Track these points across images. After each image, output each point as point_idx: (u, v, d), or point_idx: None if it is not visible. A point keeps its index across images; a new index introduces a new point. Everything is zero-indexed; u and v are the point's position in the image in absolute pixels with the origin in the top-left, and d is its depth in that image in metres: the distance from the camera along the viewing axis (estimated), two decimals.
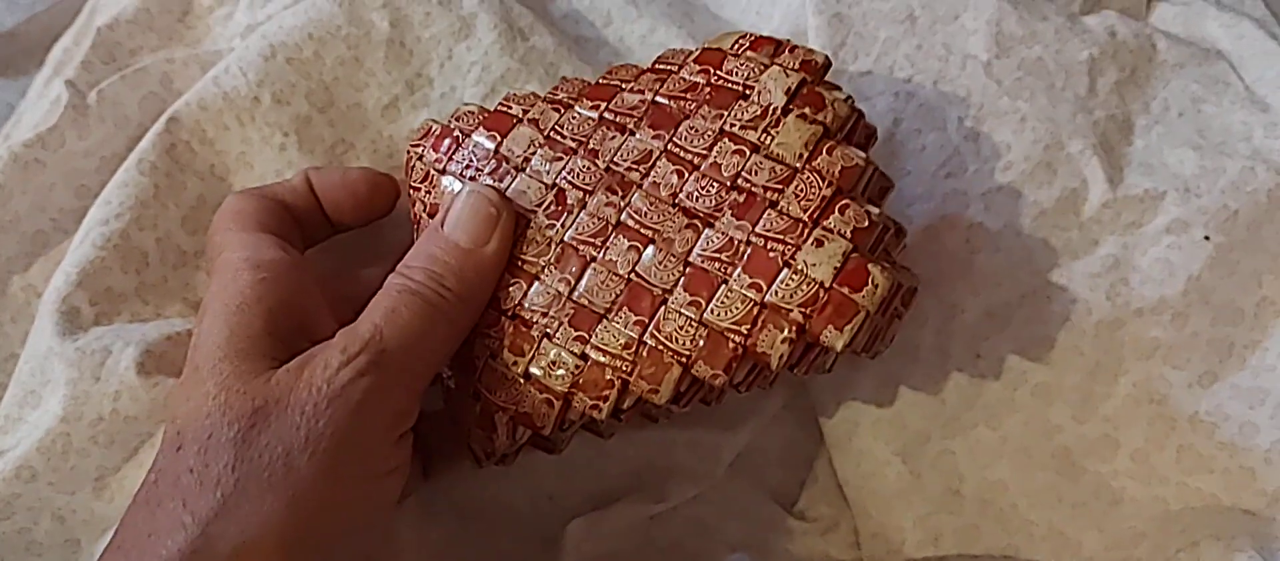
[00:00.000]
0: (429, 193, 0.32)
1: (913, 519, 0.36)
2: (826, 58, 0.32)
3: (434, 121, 0.34)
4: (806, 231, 0.28)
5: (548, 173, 0.31)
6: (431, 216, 0.32)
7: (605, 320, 0.29)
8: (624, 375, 0.29)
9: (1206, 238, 0.35)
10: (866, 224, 0.28)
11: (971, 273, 0.37)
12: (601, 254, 0.30)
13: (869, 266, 0.28)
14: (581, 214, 0.30)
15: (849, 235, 0.28)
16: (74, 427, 0.32)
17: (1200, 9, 0.41)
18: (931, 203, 0.38)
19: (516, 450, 0.31)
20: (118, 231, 0.34)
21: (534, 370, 0.29)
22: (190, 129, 0.36)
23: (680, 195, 0.30)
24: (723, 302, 0.28)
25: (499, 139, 0.32)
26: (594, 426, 0.31)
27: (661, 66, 0.33)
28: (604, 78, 0.33)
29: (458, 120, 0.33)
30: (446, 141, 0.33)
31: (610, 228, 0.30)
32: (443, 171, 0.32)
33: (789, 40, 0.32)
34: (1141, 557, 0.35)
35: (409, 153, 0.34)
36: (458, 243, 0.29)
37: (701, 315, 0.28)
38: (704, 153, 0.30)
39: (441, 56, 0.37)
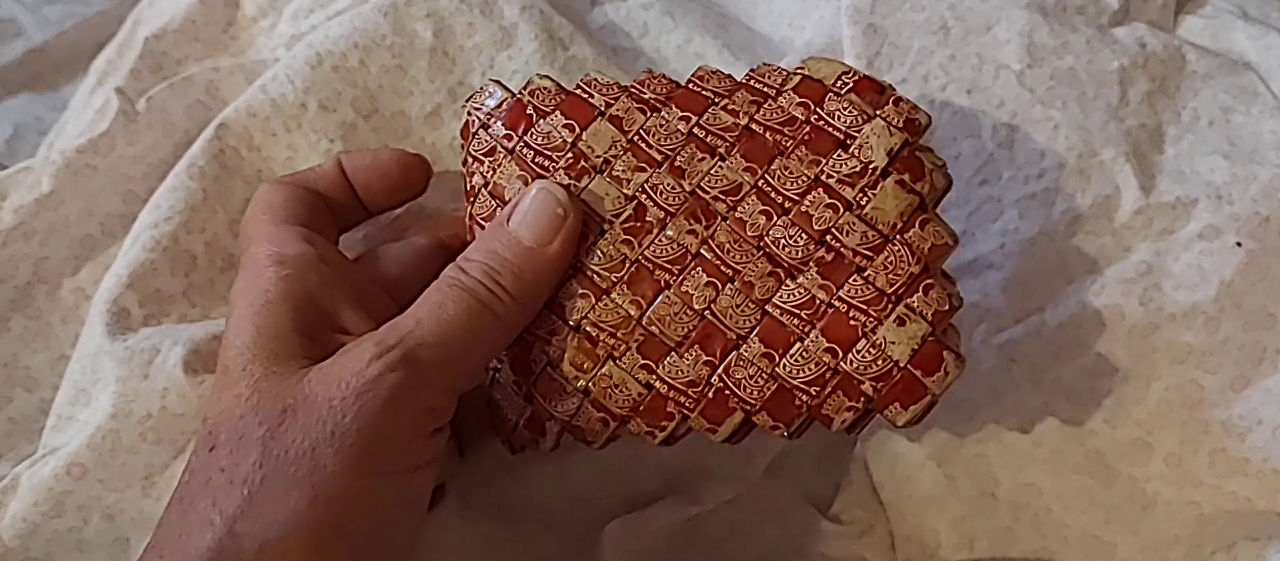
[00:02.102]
0: (495, 170, 0.31)
1: (947, 522, 0.37)
2: (929, 117, 0.31)
3: (498, 84, 0.32)
4: (890, 307, 0.28)
5: (629, 182, 0.30)
6: (492, 194, 0.31)
7: (675, 353, 0.29)
8: (686, 410, 0.29)
9: (1238, 244, 0.36)
10: (947, 307, 0.29)
11: (1006, 277, 0.37)
12: (677, 282, 0.29)
13: (944, 353, 0.28)
14: (660, 235, 0.29)
15: (930, 317, 0.28)
16: (123, 425, 0.32)
17: (1228, 22, 0.41)
18: (966, 209, 0.38)
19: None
20: (167, 235, 0.35)
21: (594, 387, 0.29)
22: (238, 135, 0.37)
23: (766, 238, 0.29)
24: (797, 360, 0.28)
25: (578, 130, 0.30)
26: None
27: (758, 85, 0.31)
28: (694, 83, 0.31)
29: (532, 96, 0.31)
30: (519, 119, 0.31)
31: (689, 257, 0.29)
32: (512, 151, 0.31)
33: (893, 89, 0.31)
34: (1176, 560, 0.35)
35: (471, 116, 0.32)
36: (521, 239, 0.28)
37: (773, 369, 0.29)
38: (796, 198, 0.29)
39: (483, 65, 0.38)
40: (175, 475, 0.33)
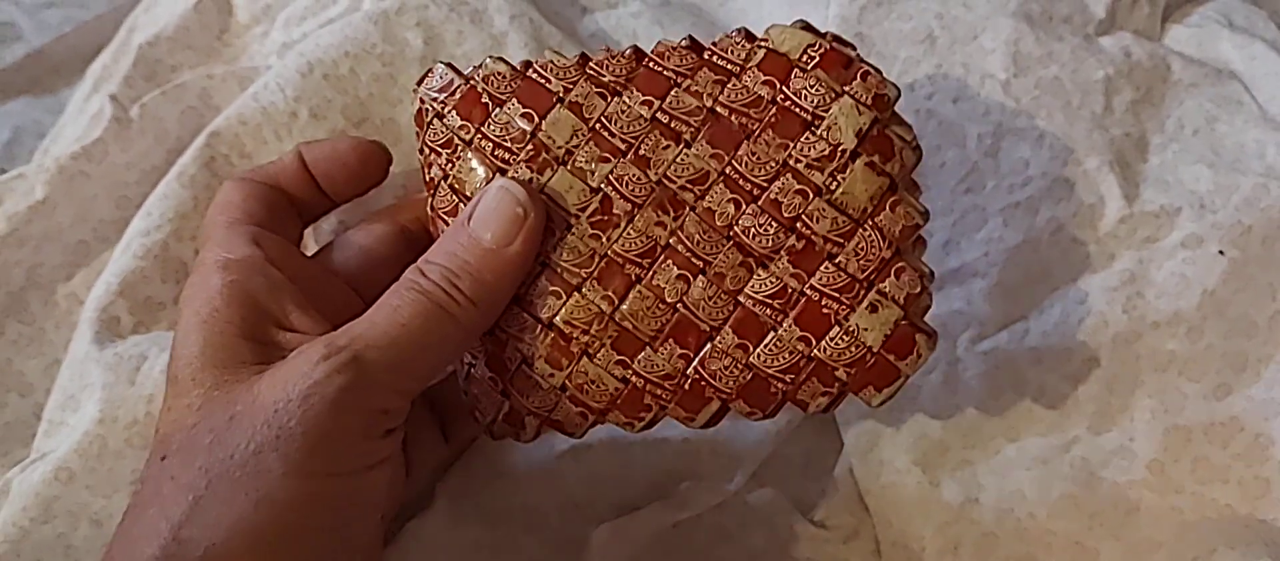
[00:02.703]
0: (454, 163, 0.30)
1: (932, 528, 0.37)
2: (898, 90, 0.30)
3: (449, 67, 0.31)
4: (862, 293, 0.28)
5: (593, 173, 0.29)
6: (452, 188, 0.30)
7: (649, 348, 0.29)
8: (662, 402, 0.29)
9: (1221, 252, 0.36)
10: (918, 290, 0.29)
11: (990, 286, 0.38)
12: (648, 276, 0.29)
13: (916, 336, 0.28)
14: (628, 228, 0.29)
15: (902, 302, 0.28)
16: (110, 430, 0.33)
17: (1213, 31, 0.41)
18: (951, 217, 0.38)
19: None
20: (158, 242, 0.35)
21: (571, 383, 0.29)
22: (230, 143, 0.37)
23: (735, 227, 0.29)
24: (771, 349, 0.29)
25: (537, 119, 0.30)
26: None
27: (720, 61, 0.30)
28: (654, 62, 0.30)
29: (486, 81, 0.30)
30: (474, 108, 0.30)
31: (659, 249, 0.29)
32: (470, 143, 0.30)
33: (861, 60, 0.30)
34: None
35: (424, 103, 0.31)
36: (480, 241, 0.28)
37: (748, 359, 0.29)
38: (764, 185, 0.29)
39: None
40: None
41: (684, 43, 0.31)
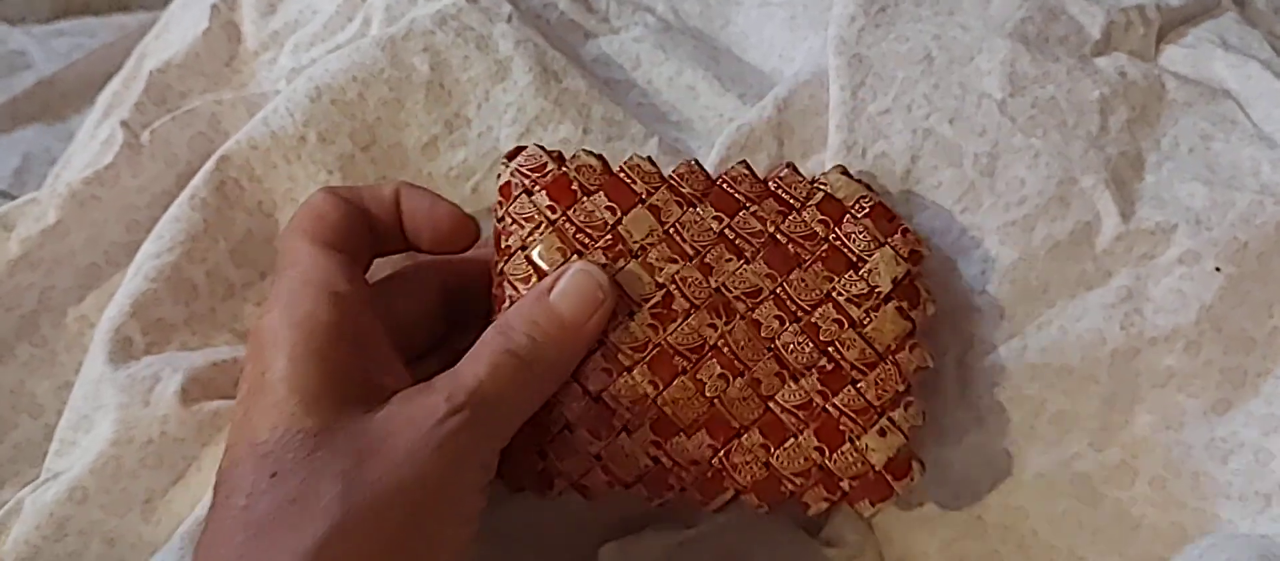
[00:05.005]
0: (535, 237, 0.32)
1: (937, 545, 0.37)
2: (928, 247, 0.35)
3: (542, 150, 0.34)
4: (876, 418, 0.32)
5: (661, 271, 0.32)
6: (528, 260, 0.32)
7: (683, 434, 0.32)
8: (684, 484, 0.32)
9: (1217, 269, 0.36)
10: (920, 423, 0.33)
11: (988, 304, 0.38)
12: (693, 370, 0.32)
13: (913, 463, 0.32)
14: (683, 323, 0.32)
15: (907, 431, 0.32)
16: (124, 450, 0.33)
17: (1207, 51, 0.42)
18: (948, 236, 0.39)
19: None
20: (169, 264, 0.36)
21: (605, 455, 0.32)
22: (240, 167, 0.38)
23: (777, 341, 0.32)
24: (789, 453, 0.32)
25: (619, 214, 0.33)
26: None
27: (784, 194, 0.34)
28: (727, 183, 0.34)
29: (578, 172, 0.33)
30: (564, 193, 0.33)
31: (707, 348, 0.32)
32: (554, 224, 0.33)
33: (904, 222, 0.34)
34: None
35: (515, 178, 0.33)
36: (561, 314, 0.30)
37: (768, 459, 0.32)
38: (808, 309, 0.32)
39: (479, 98, 0.39)
40: (175, 500, 0.34)
41: (747, 171, 0.34)
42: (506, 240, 0.33)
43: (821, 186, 0.34)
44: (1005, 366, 0.38)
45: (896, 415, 0.32)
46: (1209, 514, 0.36)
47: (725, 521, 0.37)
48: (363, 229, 0.32)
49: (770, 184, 0.34)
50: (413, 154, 0.39)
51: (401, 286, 0.34)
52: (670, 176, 0.34)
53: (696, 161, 0.34)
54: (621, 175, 0.33)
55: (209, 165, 0.37)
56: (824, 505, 0.32)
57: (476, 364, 0.28)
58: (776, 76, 0.44)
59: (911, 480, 0.32)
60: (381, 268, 0.34)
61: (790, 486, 0.32)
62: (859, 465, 0.32)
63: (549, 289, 0.30)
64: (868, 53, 0.41)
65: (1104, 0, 0.43)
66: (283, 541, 0.25)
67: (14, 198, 0.47)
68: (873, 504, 0.32)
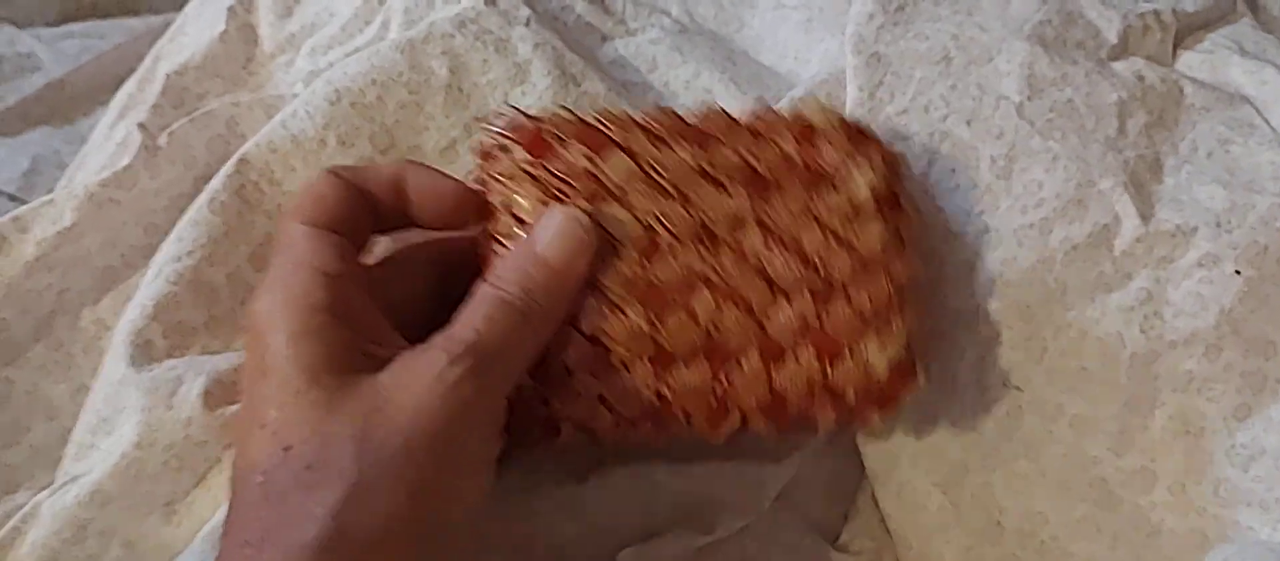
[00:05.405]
0: (516, 193, 0.33)
1: (954, 551, 0.37)
2: (904, 158, 0.36)
3: (518, 110, 0.34)
4: (871, 327, 0.32)
5: (643, 210, 0.32)
6: (512, 214, 0.32)
7: (682, 365, 0.31)
8: (690, 415, 0.32)
9: (1237, 272, 0.36)
10: (917, 328, 0.32)
11: (1006, 307, 0.38)
12: (685, 302, 0.32)
13: (915, 367, 0.32)
14: (671, 260, 0.32)
15: (904, 336, 0.32)
16: (148, 453, 0.33)
17: (1224, 56, 0.42)
18: (965, 239, 0.39)
19: None
20: (190, 268, 0.36)
21: (608, 394, 0.31)
22: (259, 170, 0.38)
23: (764, 264, 0.32)
24: (790, 373, 0.32)
25: (596, 160, 0.33)
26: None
27: (759, 126, 0.34)
28: (700, 123, 0.34)
29: (551, 124, 0.33)
30: (542, 147, 0.33)
31: (697, 279, 0.32)
32: (532, 176, 0.33)
33: (875, 136, 0.35)
34: None
35: (491, 140, 0.34)
36: (548, 260, 0.30)
37: (769, 381, 0.32)
38: (791, 229, 0.32)
39: (498, 101, 0.39)
40: (197, 502, 0.34)
41: (719, 110, 0.35)
42: (490, 200, 0.33)
43: (794, 115, 0.35)
44: (1024, 369, 0.38)
45: (891, 322, 0.32)
46: (1229, 520, 0.35)
47: (743, 527, 0.37)
48: (361, 209, 0.32)
49: (744, 121, 0.35)
50: (432, 157, 0.39)
51: (396, 269, 0.34)
52: (642, 120, 0.34)
53: (668, 106, 0.35)
54: (595, 123, 0.34)
55: (228, 168, 0.37)
56: (834, 420, 0.32)
57: (472, 317, 0.29)
58: (793, 79, 0.44)
59: (916, 385, 0.32)
60: (381, 244, 0.34)
61: (796, 405, 0.32)
62: (861, 375, 0.32)
63: (536, 240, 0.31)
64: (886, 50, 0.41)
65: (1121, 5, 0.43)
66: (303, 507, 0.25)
67: (23, 201, 0.47)
68: (881, 413, 0.32)
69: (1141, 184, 0.39)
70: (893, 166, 0.34)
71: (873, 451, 0.38)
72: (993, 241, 0.39)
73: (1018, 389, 0.38)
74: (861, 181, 0.33)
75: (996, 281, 0.38)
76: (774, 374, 0.32)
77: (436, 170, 0.34)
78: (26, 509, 0.34)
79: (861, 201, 0.33)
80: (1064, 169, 0.38)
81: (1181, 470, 0.36)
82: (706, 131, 0.34)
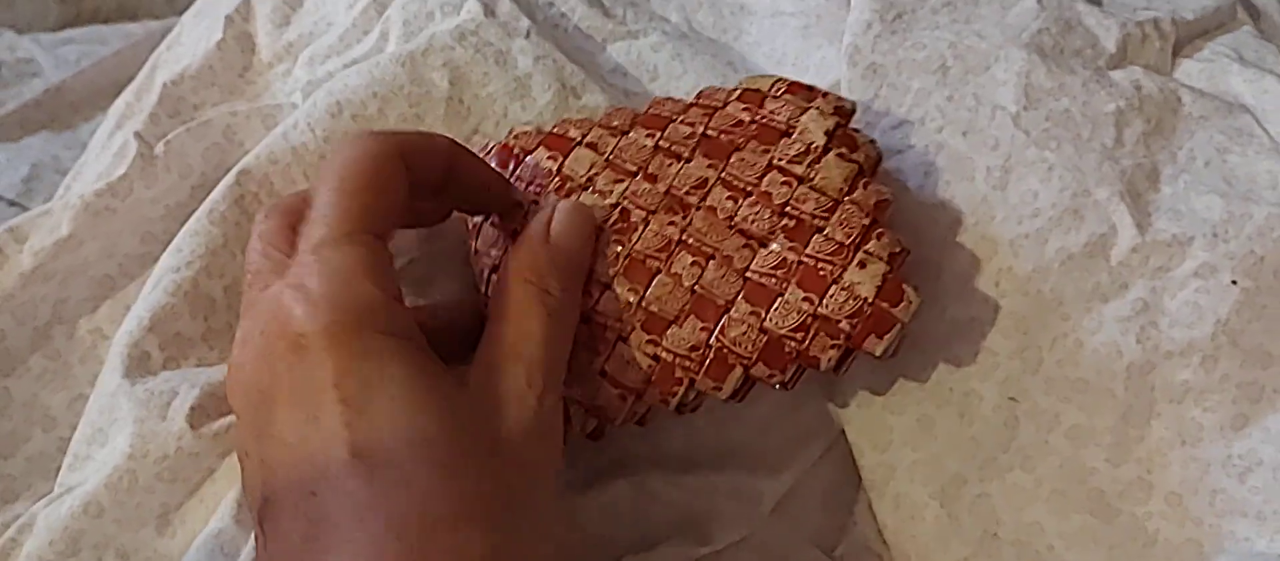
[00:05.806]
0: None
1: None
2: (854, 104, 0.36)
3: (488, 138, 0.36)
4: (851, 254, 0.32)
5: (611, 193, 0.34)
6: (494, 226, 0.35)
7: (674, 325, 0.32)
8: (692, 374, 0.32)
9: (1234, 282, 0.36)
10: (899, 249, 0.33)
11: (1002, 317, 0.38)
12: (667, 267, 0.33)
13: (904, 286, 0.32)
14: (645, 231, 0.33)
15: (886, 258, 0.32)
16: (140, 465, 0.33)
17: (1223, 65, 0.42)
18: (962, 249, 0.39)
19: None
20: (188, 279, 0.36)
21: (609, 368, 0.32)
22: (259, 181, 0.38)
23: (736, 218, 0.33)
24: (780, 312, 0.32)
25: (561, 159, 0.35)
26: (642, 418, 0.34)
27: (706, 102, 0.36)
28: (653, 109, 0.37)
29: (516, 139, 0.36)
30: (508, 158, 0.35)
31: (673, 244, 0.33)
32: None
33: (820, 87, 0.36)
34: None
35: None
36: (563, 249, 0.31)
37: (762, 323, 0.32)
38: (755, 182, 0.34)
39: (497, 114, 0.39)
40: (190, 513, 0.34)
41: (669, 98, 0.37)
42: (472, 219, 0.36)
43: (739, 86, 0.36)
44: (1020, 380, 0.38)
45: (871, 246, 0.32)
46: (1226, 531, 0.35)
47: (740, 539, 0.37)
48: (403, 187, 0.30)
49: (692, 99, 0.37)
50: None
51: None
52: (599, 119, 0.36)
53: (625, 107, 0.37)
54: (557, 131, 0.36)
55: (228, 179, 0.37)
56: (834, 354, 0.32)
57: (521, 320, 0.29)
58: None
59: (909, 303, 0.32)
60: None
61: (793, 344, 0.32)
62: (851, 302, 0.32)
63: (545, 235, 0.31)
64: (883, 61, 0.41)
65: (1119, 13, 0.43)
66: (448, 544, 0.25)
67: (23, 207, 0.47)
68: (880, 337, 0.32)
69: (1138, 193, 0.39)
70: (841, 110, 0.35)
71: (869, 463, 0.38)
72: (988, 252, 0.39)
73: (1014, 399, 0.38)
74: (815, 127, 0.34)
75: (992, 292, 0.38)
76: (765, 317, 0.32)
77: (482, 160, 0.34)
78: (23, 519, 0.34)
79: (819, 144, 0.34)
80: (1060, 179, 0.38)
81: (1178, 481, 0.36)
82: (660, 114, 0.36)
